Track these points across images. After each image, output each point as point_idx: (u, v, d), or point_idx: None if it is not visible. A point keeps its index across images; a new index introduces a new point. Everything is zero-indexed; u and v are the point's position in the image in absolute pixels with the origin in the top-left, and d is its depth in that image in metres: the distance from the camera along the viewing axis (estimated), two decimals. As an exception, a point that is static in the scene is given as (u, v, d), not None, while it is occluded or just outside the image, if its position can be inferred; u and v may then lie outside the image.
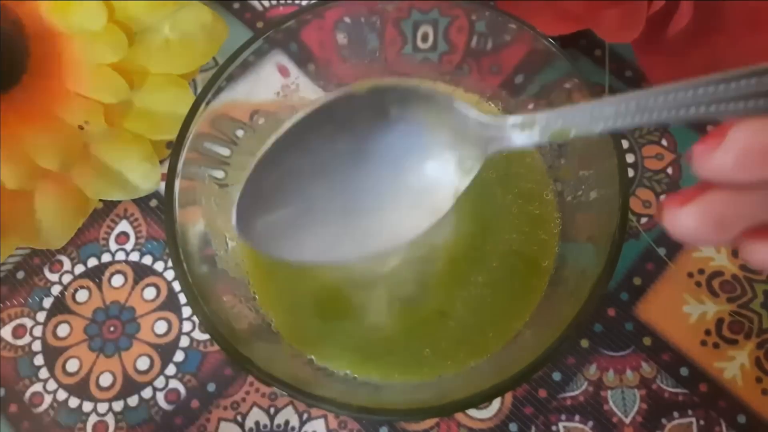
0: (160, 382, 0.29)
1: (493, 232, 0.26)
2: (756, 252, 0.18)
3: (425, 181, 0.21)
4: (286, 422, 0.28)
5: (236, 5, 0.36)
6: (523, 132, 0.20)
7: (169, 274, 0.31)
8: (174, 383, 0.29)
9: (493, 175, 0.28)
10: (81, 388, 0.29)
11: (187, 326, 0.30)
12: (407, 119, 0.21)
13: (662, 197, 0.18)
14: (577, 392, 0.28)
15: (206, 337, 0.30)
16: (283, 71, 0.28)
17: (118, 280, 0.31)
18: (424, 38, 0.29)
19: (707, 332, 0.28)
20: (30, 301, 0.31)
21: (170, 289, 0.31)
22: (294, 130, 0.20)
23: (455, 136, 0.20)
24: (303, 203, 0.21)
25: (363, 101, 0.20)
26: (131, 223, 0.32)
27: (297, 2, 0.36)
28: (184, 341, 0.30)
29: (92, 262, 0.31)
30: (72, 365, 0.29)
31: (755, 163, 0.16)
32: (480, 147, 0.20)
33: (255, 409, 0.28)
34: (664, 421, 0.27)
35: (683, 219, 0.18)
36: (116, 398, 0.29)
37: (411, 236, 0.21)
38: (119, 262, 0.31)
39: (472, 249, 0.26)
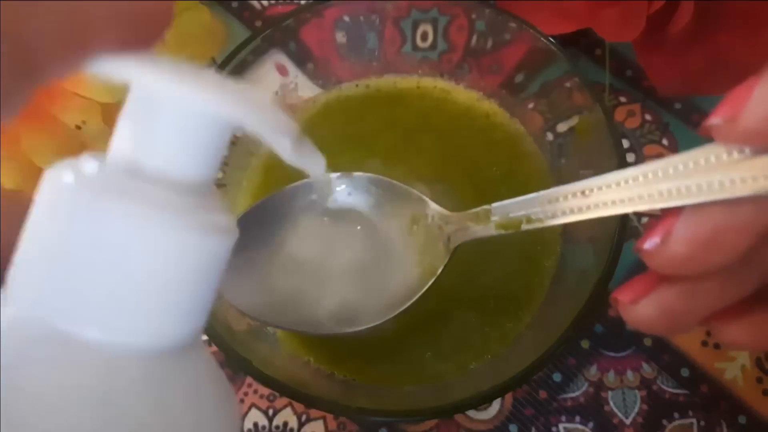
0: (158, 383, 0.29)
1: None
2: (724, 334, 0.17)
3: (394, 274, 0.23)
4: (285, 423, 0.28)
5: (235, 4, 0.36)
6: (479, 224, 0.22)
7: (167, 275, 0.31)
8: (172, 384, 0.29)
9: (496, 173, 0.27)
10: (78, 390, 0.29)
11: (185, 327, 0.30)
12: (383, 211, 0.24)
13: (613, 289, 0.18)
14: (577, 393, 0.27)
15: (204, 338, 0.29)
16: (282, 70, 0.28)
17: (115, 281, 0.31)
18: (424, 37, 0.29)
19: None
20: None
21: (168, 290, 0.30)
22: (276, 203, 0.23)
23: (423, 233, 0.23)
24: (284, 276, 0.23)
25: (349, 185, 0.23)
26: (129, 223, 0.32)
27: (296, 1, 0.36)
28: (183, 342, 0.29)
29: (90, 262, 0.31)
30: (69, 366, 0.29)
31: (704, 253, 0.15)
32: (444, 242, 0.23)
33: (253, 411, 0.28)
34: (664, 422, 0.27)
35: (639, 312, 0.17)
36: (114, 399, 0.29)
37: (382, 318, 0.23)
38: (117, 262, 0.31)
39: (475, 250, 0.26)
